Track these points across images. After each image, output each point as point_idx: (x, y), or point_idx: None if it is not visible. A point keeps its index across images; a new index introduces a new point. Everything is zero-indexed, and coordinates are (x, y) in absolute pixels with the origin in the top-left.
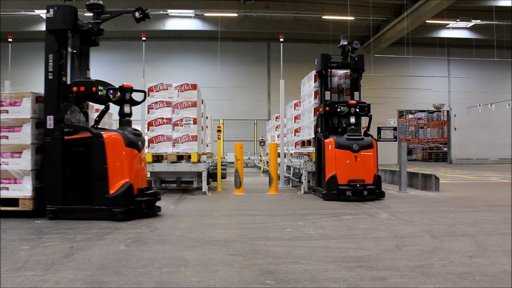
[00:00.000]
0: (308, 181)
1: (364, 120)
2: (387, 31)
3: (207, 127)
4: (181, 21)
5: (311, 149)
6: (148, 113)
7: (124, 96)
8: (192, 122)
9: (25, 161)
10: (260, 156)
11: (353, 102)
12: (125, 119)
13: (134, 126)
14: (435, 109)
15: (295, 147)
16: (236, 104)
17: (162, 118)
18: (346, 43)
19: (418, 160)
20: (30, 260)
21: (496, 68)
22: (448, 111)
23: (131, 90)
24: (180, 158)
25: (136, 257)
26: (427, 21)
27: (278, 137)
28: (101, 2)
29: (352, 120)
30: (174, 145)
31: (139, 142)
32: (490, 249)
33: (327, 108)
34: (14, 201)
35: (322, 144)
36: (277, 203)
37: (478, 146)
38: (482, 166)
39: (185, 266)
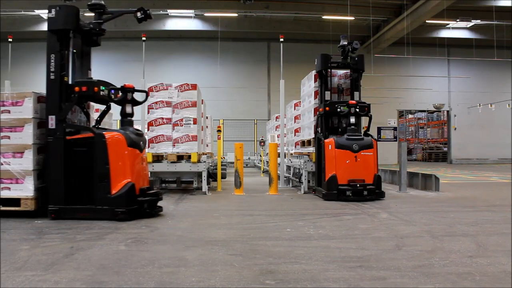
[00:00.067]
0: (308, 181)
1: (364, 120)
2: (387, 31)
3: (207, 127)
4: (181, 21)
5: (311, 149)
6: (148, 113)
7: (126, 96)
8: (192, 122)
9: (27, 161)
10: (260, 156)
11: (353, 102)
12: (126, 119)
13: (134, 126)
14: (435, 109)
15: (295, 147)
16: (236, 104)
17: (162, 118)
18: (346, 43)
19: (418, 160)
20: (30, 260)
21: (496, 68)
22: (448, 111)
23: (132, 90)
24: (180, 158)
25: (136, 257)
26: (427, 21)
27: (278, 137)
28: (102, 2)
29: (352, 120)
30: (174, 145)
31: (141, 142)
32: (490, 249)
33: (327, 108)
34: (15, 201)
35: (322, 144)
36: (277, 203)
37: (478, 146)
38: (482, 166)
39: (185, 266)
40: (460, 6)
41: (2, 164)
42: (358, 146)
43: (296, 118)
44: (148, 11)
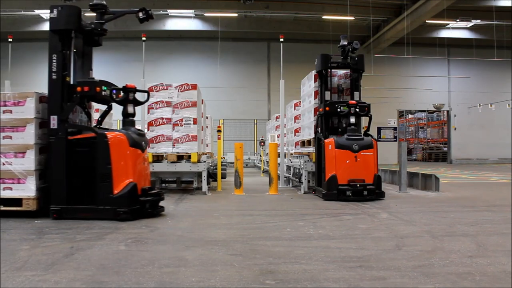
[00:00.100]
0: (308, 181)
1: (364, 120)
2: (387, 31)
3: (207, 127)
4: (181, 21)
5: (311, 149)
6: (148, 113)
7: (127, 96)
8: (192, 122)
9: (29, 161)
10: (260, 156)
11: (353, 102)
12: (128, 119)
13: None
14: (435, 109)
15: (295, 147)
16: (236, 104)
17: (162, 118)
18: (346, 43)
19: (418, 160)
20: (30, 260)
21: (496, 68)
22: (448, 111)
23: (134, 90)
24: (180, 158)
25: (136, 257)
26: (427, 21)
27: (278, 137)
28: (104, 3)
29: (352, 120)
30: (174, 145)
31: (143, 142)
32: (490, 249)
33: (327, 108)
34: (17, 201)
35: (322, 144)
36: (277, 203)
37: (478, 146)
38: (482, 166)
39: (185, 266)
40: (460, 6)
41: (4, 164)
42: (358, 146)
43: (296, 118)
44: (150, 12)
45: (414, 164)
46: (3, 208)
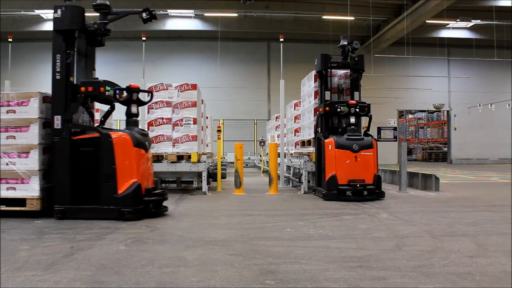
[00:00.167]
0: (308, 181)
1: (364, 120)
2: (387, 31)
3: (207, 127)
4: (181, 21)
5: (311, 149)
6: (148, 113)
7: (131, 97)
8: (192, 122)
9: (33, 161)
10: (260, 156)
11: (353, 102)
12: (132, 119)
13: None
14: (435, 109)
15: (295, 147)
16: (236, 104)
17: (162, 118)
18: (346, 43)
19: (418, 160)
20: (30, 260)
21: (496, 68)
22: (448, 111)
23: (138, 90)
24: (180, 158)
25: (136, 257)
26: (427, 21)
27: (278, 137)
28: (107, 3)
29: (352, 120)
30: (174, 145)
31: (146, 142)
32: (490, 249)
33: (327, 108)
34: (21, 201)
35: (322, 144)
36: (277, 203)
37: (478, 146)
38: (482, 166)
39: (185, 266)
40: (460, 6)
41: (7, 164)
42: (358, 146)
43: (296, 118)
44: (153, 12)
45: (414, 164)
46: (7, 208)
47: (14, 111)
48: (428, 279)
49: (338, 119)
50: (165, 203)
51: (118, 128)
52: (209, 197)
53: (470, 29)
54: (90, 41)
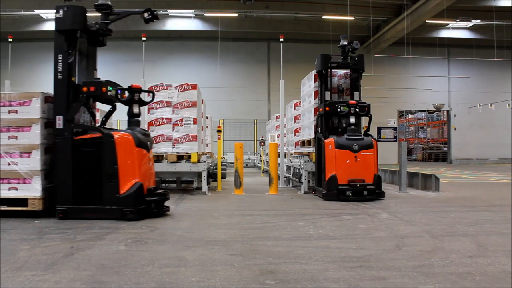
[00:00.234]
0: (308, 181)
1: (364, 120)
2: (387, 31)
3: (207, 127)
4: (181, 21)
5: (311, 149)
6: (148, 113)
7: (133, 97)
8: (192, 122)
9: (34, 161)
10: (260, 156)
11: (353, 102)
12: (134, 119)
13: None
14: (435, 109)
15: (295, 147)
16: (236, 104)
17: (162, 118)
18: (346, 43)
19: (418, 160)
20: (30, 260)
21: (496, 68)
22: (448, 111)
23: (139, 90)
24: (180, 158)
25: (136, 257)
26: (427, 21)
27: (278, 137)
28: (109, 3)
29: (352, 120)
30: (174, 145)
31: (148, 142)
32: (490, 249)
33: (327, 108)
34: (23, 201)
35: (322, 144)
36: (277, 203)
37: (478, 146)
38: (482, 166)
39: (185, 266)
40: (460, 6)
41: (9, 164)
42: (358, 146)
43: (296, 118)
44: (155, 12)
45: (414, 164)
46: (9, 208)
47: (16, 111)
48: (428, 279)
49: (338, 119)
50: (165, 203)
51: (118, 128)
52: (209, 197)
53: (470, 29)
54: (91, 41)
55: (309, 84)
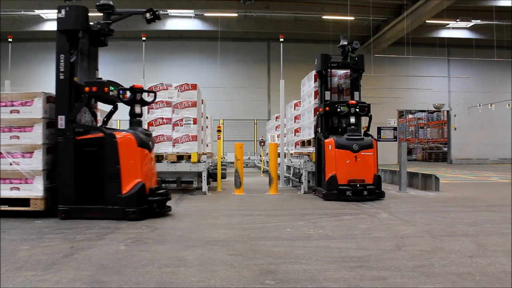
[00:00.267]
0: (308, 181)
1: (364, 120)
2: (387, 31)
3: (207, 127)
4: (181, 21)
5: (311, 149)
6: (148, 113)
7: (135, 97)
8: (192, 122)
9: (37, 161)
10: (260, 156)
11: (353, 102)
12: (135, 119)
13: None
14: (435, 109)
15: (295, 147)
16: (236, 104)
17: (162, 118)
18: (346, 43)
19: (418, 160)
20: (30, 260)
21: (496, 68)
22: (448, 111)
23: (141, 90)
24: (180, 158)
25: (136, 257)
26: (427, 21)
27: (278, 137)
28: (111, 3)
29: (352, 120)
30: (174, 145)
31: (150, 142)
32: (490, 249)
33: (327, 108)
34: (25, 201)
35: (322, 144)
36: (277, 203)
37: (478, 146)
38: (482, 166)
39: (185, 266)
40: (460, 6)
41: (11, 164)
42: (358, 146)
43: (296, 118)
44: (157, 12)
45: (414, 164)
46: (11, 208)
47: (18, 111)
48: (428, 279)
49: (338, 119)
50: (166, 203)
51: (118, 128)
52: (209, 197)
53: (470, 29)
54: (93, 41)
55: (309, 84)
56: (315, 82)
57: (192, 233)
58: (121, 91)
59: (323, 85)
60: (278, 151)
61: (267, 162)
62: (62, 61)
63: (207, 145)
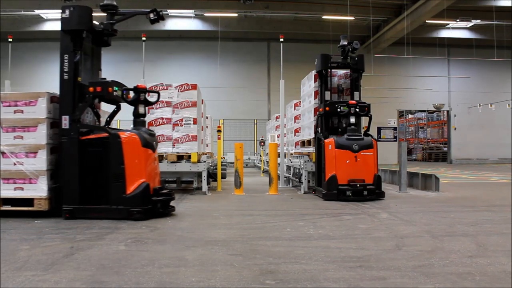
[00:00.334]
0: (308, 181)
1: (364, 120)
2: (387, 31)
3: (207, 127)
4: (181, 21)
5: (311, 149)
6: (148, 113)
7: (138, 97)
8: (192, 122)
9: (41, 161)
10: (260, 156)
11: (353, 102)
12: (139, 120)
13: (131, 126)
14: (435, 109)
15: (295, 147)
16: (236, 104)
17: (162, 118)
18: (346, 43)
19: (418, 160)
20: (30, 260)
21: (496, 68)
22: (448, 111)
23: (145, 90)
24: (180, 158)
25: (136, 257)
26: (427, 21)
27: (278, 137)
28: (115, 3)
29: (352, 120)
30: (174, 145)
31: (154, 142)
32: (490, 249)
33: (327, 108)
34: (29, 201)
35: (322, 144)
36: (277, 203)
37: (478, 146)
38: (482, 166)
39: (185, 266)
40: (460, 6)
41: (15, 164)
42: (358, 146)
43: (296, 118)
44: (161, 12)
45: (414, 164)
46: (14, 208)
47: (22, 111)
48: (428, 279)
49: (338, 119)
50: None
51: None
52: (209, 197)
53: (470, 29)
54: (96, 41)
55: (309, 84)
56: (315, 82)
57: (192, 233)
58: (124, 91)
59: (323, 85)
60: (278, 151)
61: (267, 162)
62: (66, 61)
63: (207, 145)
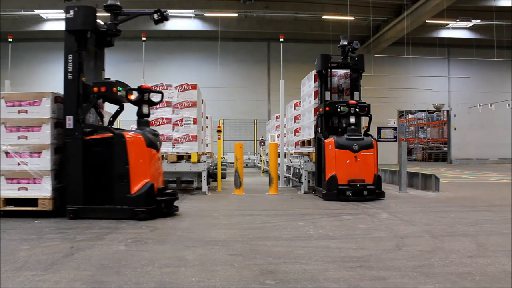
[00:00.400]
0: (308, 181)
1: (364, 120)
2: (387, 31)
3: (207, 127)
4: (181, 21)
5: (311, 149)
6: None
7: (142, 97)
8: (192, 122)
9: (45, 161)
10: (260, 156)
11: (353, 102)
12: (143, 120)
13: (132, 126)
14: (435, 109)
15: (295, 147)
16: (236, 104)
17: (162, 118)
18: (346, 43)
19: (418, 160)
20: (30, 260)
21: (496, 68)
22: (448, 111)
23: (149, 91)
24: (180, 158)
25: (136, 257)
26: (427, 21)
27: (278, 137)
28: (118, 3)
29: (352, 120)
30: (174, 145)
31: (158, 142)
32: (490, 249)
33: (327, 108)
34: (33, 201)
35: (322, 144)
36: (277, 203)
37: (478, 146)
38: (482, 166)
39: (185, 266)
40: (460, 6)
41: (19, 164)
42: (358, 146)
43: (296, 118)
44: (165, 13)
45: (414, 164)
46: (18, 208)
47: (26, 111)
48: (428, 279)
49: (338, 119)
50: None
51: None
52: (209, 197)
53: (470, 29)
54: (100, 41)
55: (309, 84)
56: (315, 82)
57: (192, 233)
58: (128, 92)
59: (323, 85)
60: (278, 151)
61: (267, 162)
62: (70, 61)
63: (207, 145)
